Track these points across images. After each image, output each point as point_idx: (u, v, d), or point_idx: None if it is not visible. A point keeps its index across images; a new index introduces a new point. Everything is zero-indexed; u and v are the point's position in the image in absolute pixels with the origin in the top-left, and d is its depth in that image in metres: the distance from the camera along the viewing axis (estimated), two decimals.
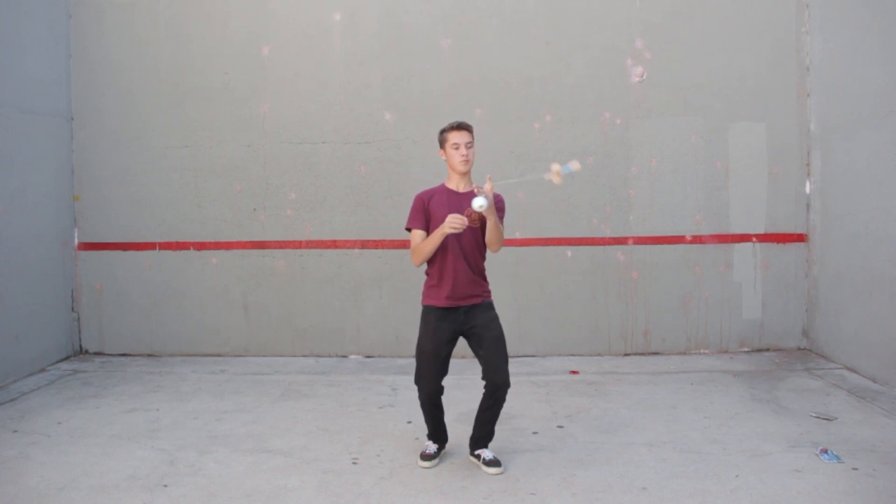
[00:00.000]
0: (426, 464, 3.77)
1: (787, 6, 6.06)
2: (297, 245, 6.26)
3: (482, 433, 3.77)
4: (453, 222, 3.42)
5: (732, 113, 6.08)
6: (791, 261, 6.14)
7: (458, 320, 3.66)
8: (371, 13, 6.17)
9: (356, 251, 6.23)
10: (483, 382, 3.66)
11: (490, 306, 3.75)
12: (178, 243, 6.32)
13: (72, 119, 6.32)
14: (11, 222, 5.51)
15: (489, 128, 6.13)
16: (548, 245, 6.15)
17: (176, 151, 6.29)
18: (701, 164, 6.10)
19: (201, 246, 6.31)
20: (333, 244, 6.24)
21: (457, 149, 3.66)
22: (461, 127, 3.69)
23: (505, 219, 6.22)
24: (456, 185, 3.75)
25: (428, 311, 3.71)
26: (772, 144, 6.09)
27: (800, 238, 6.14)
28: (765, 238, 6.13)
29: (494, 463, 3.69)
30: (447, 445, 3.97)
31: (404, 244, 6.17)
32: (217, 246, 6.29)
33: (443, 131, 3.73)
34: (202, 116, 6.26)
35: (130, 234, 6.33)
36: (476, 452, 3.78)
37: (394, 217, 6.17)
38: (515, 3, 6.12)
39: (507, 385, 3.63)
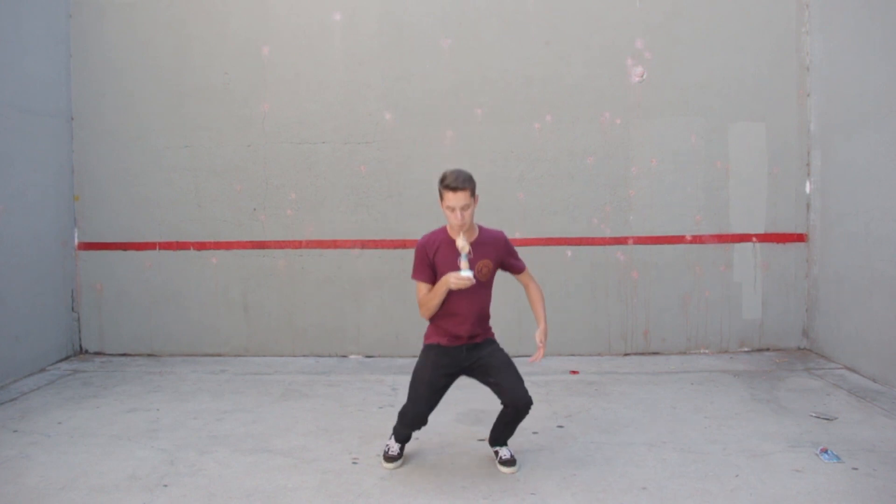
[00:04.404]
0: (390, 465, 3.73)
1: (787, 6, 6.06)
2: (297, 245, 6.26)
3: (501, 435, 3.74)
4: (459, 283, 3.34)
5: (732, 113, 6.08)
6: (791, 261, 6.14)
7: (461, 356, 3.60)
8: (371, 13, 6.17)
9: (356, 251, 6.23)
10: (502, 406, 3.64)
11: (492, 341, 3.70)
12: (178, 243, 6.32)
13: (72, 119, 6.32)
14: (11, 222, 5.51)
15: (489, 128, 6.13)
16: (548, 245, 6.15)
17: (176, 151, 6.29)
18: (701, 164, 6.10)
19: (201, 246, 6.31)
20: (333, 244, 6.24)
21: (452, 211, 3.42)
22: (457, 188, 3.38)
23: (505, 219, 6.25)
24: (458, 236, 3.55)
25: (430, 347, 3.63)
26: (772, 144, 6.09)
27: (800, 238, 6.14)
28: (765, 238, 6.13)
29: (510, 462, 3.68)
30: (448, 446, 3.98)
31: (404, 244, 6.17)
32: (217, 246, 6.30)
33: (440, 183, 3.45)
34: (202, 116, 6.26)
35: (130, 234, 6.34)
36: (495, 449, 3.78)
37: (394, 217, 6.18)
38: (515, 3, 6.12)
39: (530, 404, 3.56)
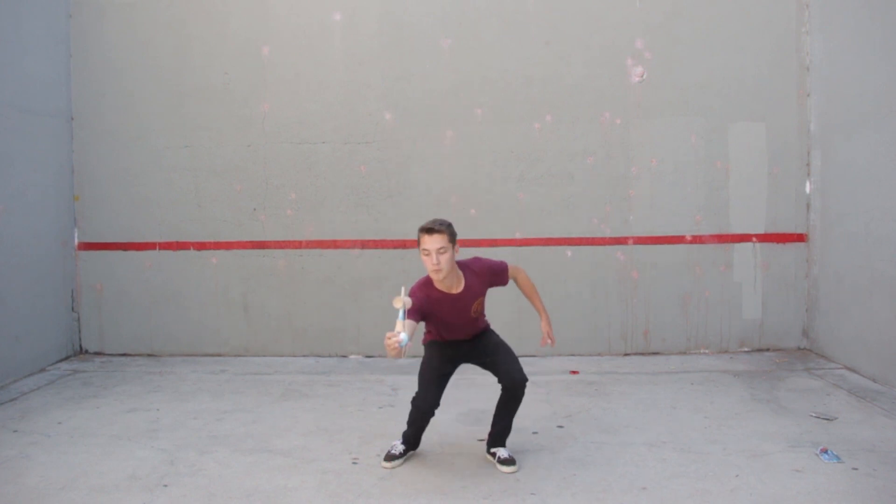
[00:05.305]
0: (389, 464, 3.74)
1: (787, 6, 6.06)
2: (297, 245, 6.26)
3: (499, 428, 3.78)
4: (389, 352, 3.09)
5: (732, 113, 6.08)
6: (791, 261, 6.14)
7: (464, 347, 3.76)
8: (371, 13, 6.17)
9: (356, 251, 6.23)
10: (500, 386, 3.72)
11: (489, 330, 3.85)
12: (178, 243, 6.32)
13: (72, 119, 6.32)
14: (11, 222, 5.51)
15: (489, 128, 6.13)
16: (548, 245, 6.15)
17: (176, 151, 6.29)
18: (701, 164, 6.10)
19: (201, 246, 6.31)
20: (333, 244, 6.24)
21: (427, 255, 3.39)
22: (431, 230, 3.37)
23: (505, 219, 6.24)
24: (447, 286, 3.53)
25: (432, 343, 3.76)
26: (772, 144, 6.09)
27: (800, 238, 6.14)
28: (765, 238, 6.13)
29: (509, 462, 3.69)
30: (448, 446, 3.98)
31: (404, 244, 6.17)
32: (217, 246, 6.30)
33: (419, 230, 3.44)
34: (202, 116, 6.26)
35: (130, 234, 6.34)
36: (492, 451, 3.78)
37: (394, 217, 6.18)
38: (515, 3, 6.12)
39: (525, 380, 3.68)
